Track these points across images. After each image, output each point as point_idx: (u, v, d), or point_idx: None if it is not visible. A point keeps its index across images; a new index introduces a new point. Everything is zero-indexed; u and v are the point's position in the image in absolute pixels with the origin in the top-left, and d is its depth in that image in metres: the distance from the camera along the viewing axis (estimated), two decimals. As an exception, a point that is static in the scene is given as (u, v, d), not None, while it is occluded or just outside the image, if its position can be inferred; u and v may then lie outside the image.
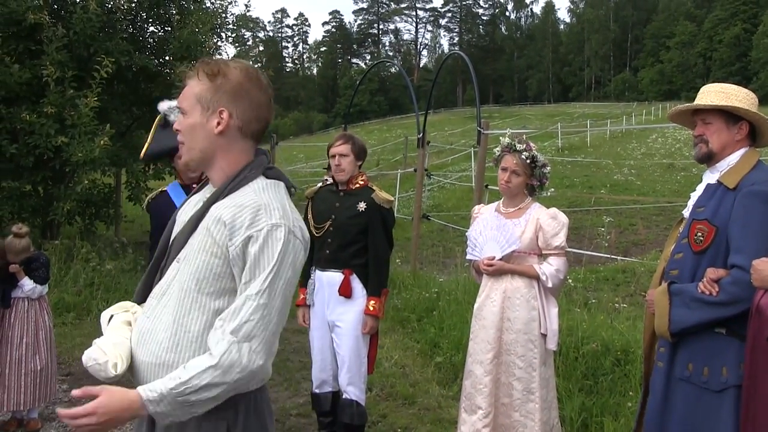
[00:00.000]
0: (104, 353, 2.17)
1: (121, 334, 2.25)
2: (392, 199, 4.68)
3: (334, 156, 4.53)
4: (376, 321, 4.55)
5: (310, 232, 4.61)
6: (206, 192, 2.37)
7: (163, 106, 4.37)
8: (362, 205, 4.50)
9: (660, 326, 3.09)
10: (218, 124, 2.22)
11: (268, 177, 2.30)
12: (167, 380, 2.05)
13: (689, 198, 3.28)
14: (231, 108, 2.22)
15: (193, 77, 2.26)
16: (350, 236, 4.51)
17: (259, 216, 2.14)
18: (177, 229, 2.35)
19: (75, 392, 2.07)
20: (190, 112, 2.25)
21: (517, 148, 4.30)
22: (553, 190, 4.42)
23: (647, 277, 9.10)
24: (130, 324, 2.30)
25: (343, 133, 4.64)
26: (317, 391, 4.73)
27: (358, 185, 4.59)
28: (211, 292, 2.17)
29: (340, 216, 4.53)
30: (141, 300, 2.39)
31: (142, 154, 4.46)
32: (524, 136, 4.46)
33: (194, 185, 4.23)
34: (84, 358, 2.20)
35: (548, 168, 4.39)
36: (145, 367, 2.18)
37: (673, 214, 14.51)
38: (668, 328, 3.04)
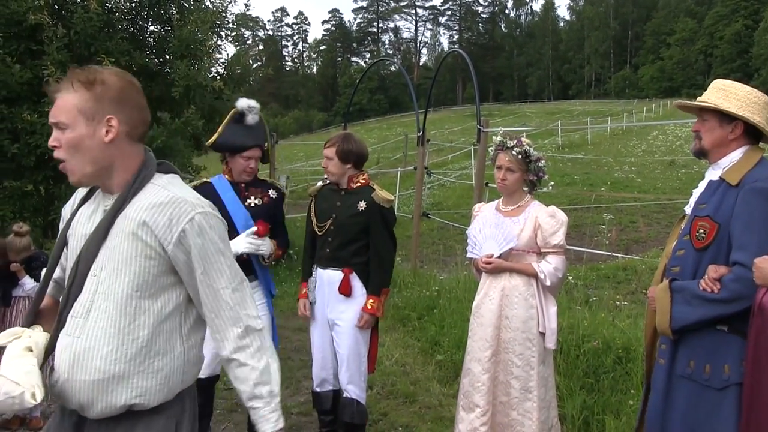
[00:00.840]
0: (17, 384, 2.04)
1: (27, 362, 2.12)
2: (392, 198, 4.66)
3: (324, 157, 4.58)
4: (373, 319, 4.53)
5: (313, 230, 4.65)
6: (100, 202, 2.30)
7: (242, 103, 4.44)
8: (362, 204, 4.49)
9: (661, 323, 3.08)
10: (107, 132, 2.18)
11: (163, 173, 2.33)
12: (269, 408, 2.28)
13: (691, 195, 3.27)
14: (118, 114, 2.20)
15: (66, 89, 2.17)
16: (351, 235, 4.50)
17: (183, 208, 2.21)
18: (76, 244, 2.27)
19: None
20: (73, 125, 2.16)
21: (509, 145, 4.30)
22: (552, 184, 4.40)
23: (648, 275, 9.10)
24: (31, 350, 2.17)
25: (336, 136, 4.64)
26: (318, 389, 4.72)
27: (359, 184, 4.57)
28: (153, 293, 2.22)
29: (340, 215, 4.52)
30: (32, 321, 2.31)
31: (210, 141, 4.53)
32: (524, 134, 4.45)
33: (243, 183, 4.28)
34: None
35: (543, 161, 4.37)
36: (88, 386, 2.15)
37: (674, 211, 14.51)
38: (669, 325, 3.03)
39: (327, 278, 4.56)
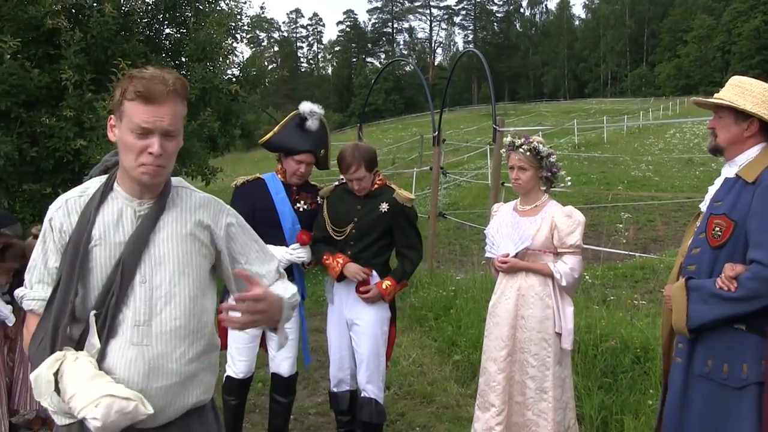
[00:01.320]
0: (128, 399, 2.03)
1: (107, 378, 2.10)
2: (413, 197, 4.63)
3: (351, 180, 4.42)
4: (378, 296, 4.45)
5: (327, 232, 4.58)
6: (125, 208, 2.26)
7: (305, 107, 4.45)
8: (384, 206, 4.46)
9: (678, 322, 3.07)
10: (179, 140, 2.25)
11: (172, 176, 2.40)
12: (282, 293, 2.41)
13: (707, 192, 3.26)
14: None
15: (174, 97, 2.19)
16: (373, 237, 4.49)
17: (220, 205, 2.41)
18: (109, 253, 2.20)
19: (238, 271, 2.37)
20: (179, 134, 2.24)
21: (517, 144, 4.30)
22: (570, 179, 4.35)
23: (667, 274, 9.00)
24: (96, 367, 2.13)
25: (352, 155, 4.36)
26: (335, 389, 4.73)
27: (376, 185, 4.54)
28: (207, 291, 2.35)
29: (362, 219, 4.48)
30: (76, 336, 2.18)
31: (263, 140, 4.56)
32: (540, 134, 4.45)
33: (295, 186, 4.37)
34: (101, 415, 1.98)
35: (554, 157, 4.35)
36: (164, 392, 2.18)
37: (692, 209, 14.33)
38: (686, 324, 3.02)
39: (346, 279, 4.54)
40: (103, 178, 2.33)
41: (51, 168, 9.53)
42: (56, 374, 2.07)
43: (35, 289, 2.27)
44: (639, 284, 9.29)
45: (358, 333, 4.54)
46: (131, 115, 2.14)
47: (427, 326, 7.80)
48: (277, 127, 4.54)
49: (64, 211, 2.27)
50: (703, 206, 3.23)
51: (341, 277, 4.49)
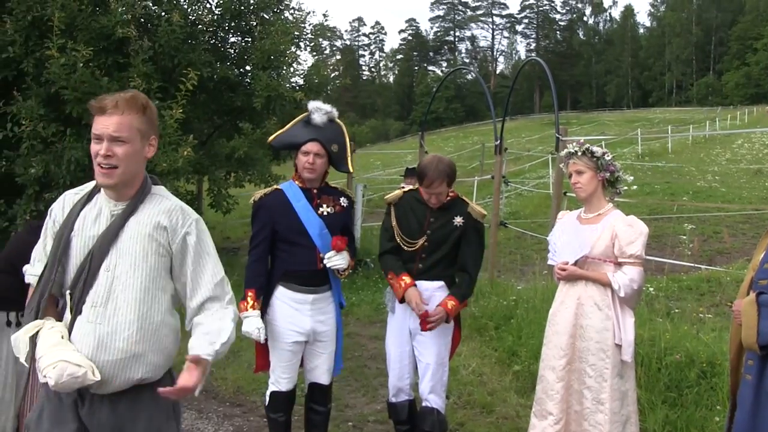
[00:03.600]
0: (79, 366, 2.49)
1: (70, 347, 2.56)
2: (485, 213, 4.56)
3: (431, 195, 4.36)
4: (445, 318, 4.35)
5: (396, 241, 4.53)
6: (104, 207, 2.71)
7: (311, 104, 4.47)
8: (459, 220, 4.42)
9: (748, 338, 3.00)
10: (149, 149, 2.73)
11: (155, 184, 2.83)
12: (209, 345, 2.66)
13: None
14: (156, 135, 2.76)
15: (126, 110, 2.60)
16: (446, 250, 4.44)
17: (187, 214, 2.77)
18: (84, 243, 2.65)
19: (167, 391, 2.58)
20: (132, 141, 2.62)
21: (571, 151, 4.29)
22: (632, 178, 4.28)
23: (734, 287, 8.82)
24: (63, 337, 2.59)
25: (435, 169, 4.29)
26: (393, 399, 4.66)
27: (448, 197, 4.48)
28: (163, 285, 2.72)
29: (436, 232, 4.43)
30: (41, 314, 2.65)
31: (271, 138, 4.57)
32: (603, 143, 4.41)
33: (315, 189, 4.32)
34: (55, 375, 2.45)
35: (610, 156, 4.30)
36: (110, 365, 2.57)
37: (761, 222, 14.03)
38: (756, 340, 2.95)
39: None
40: (91, 183, 2.77)
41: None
42: (34, 338, 2.58)
43: (35, 267, 2.76)
44: (704, 297, 9.07)
45: (421, 342, 4.49)
46: (92, 128, 2.63)
47: (488, 336, 7.75)
48: (286, 127, 4.51)
49: (61, 204, 2.76)
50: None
51: (403, 299, 4.42)
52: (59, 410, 2.63)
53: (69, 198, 2.77)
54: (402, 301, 4.44)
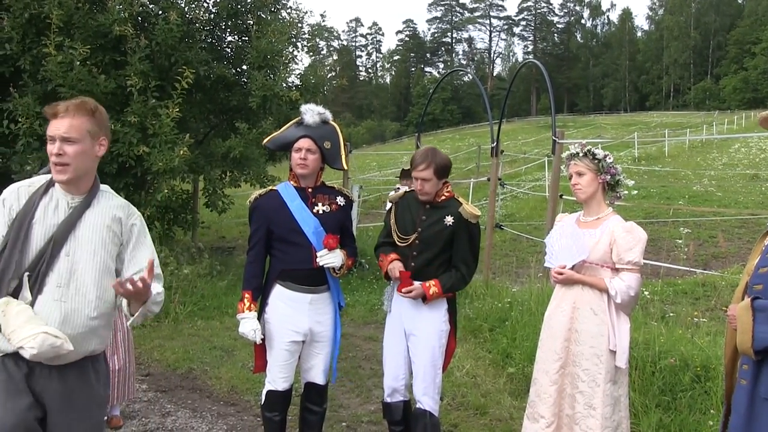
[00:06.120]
0: (57, 337, 2.80)
1: (41, 320, 2.85)
2: (479, 213, 4.51)
3: (417, 179, 4.38)
4: (420, 293, 4.34)
5: (392, 238, 4.56)
6: (61, 199, 3.01)
7: (305, 107, 4.51)
8: (449, 219, 4.40)
9: (743, 343, 2.99)
10: (100, 148, 3.04)
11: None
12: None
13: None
14: (107, 136, 3.08)
15: (76, 113, 2.91)
16: (437, 250, 4.42)
17: (132, 209, 3.20)
18: (45, 231, 2.93)
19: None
20: (82, 141, 2.93)
21: (573, 153, 4.29)
22: (633, 182, 4.25)
23: (729, 292, 8.83)
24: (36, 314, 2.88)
25: (425, 153, 4.38)
26: (388, 400, 4.64)
27: (443, 197, 4.47)
28: (113, 270, 3.07)
29: (426, 230, 4.43)
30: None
31: (266, 140, 4.60)
32: (599, 146, 4.39)
33: (310, 189, 4.35)
34: (37, 345, 2.76)
35: (611, 158, 4.29)
36: (72, 339, 2.87)
37: (757, 226, 14.06)
38: (751, 345, 2.93)
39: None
40: (47, 176, 3.06)
41: (114, 172, 9.76)
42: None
43: None
44: (699, 301, 9.09)
45: (415, 344, 4.48)
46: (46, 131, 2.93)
47: (482, 337, 7.75)
48: (281, 129, 4.55)
49: (15, 195, 3.01)
50: (772, 223, 3.14)
51: (388, 276, 4.48)
52: (10, 383, 2.89)
53: (23, 190, 3.03)
54: (387, 278, 4.52)
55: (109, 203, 3.11)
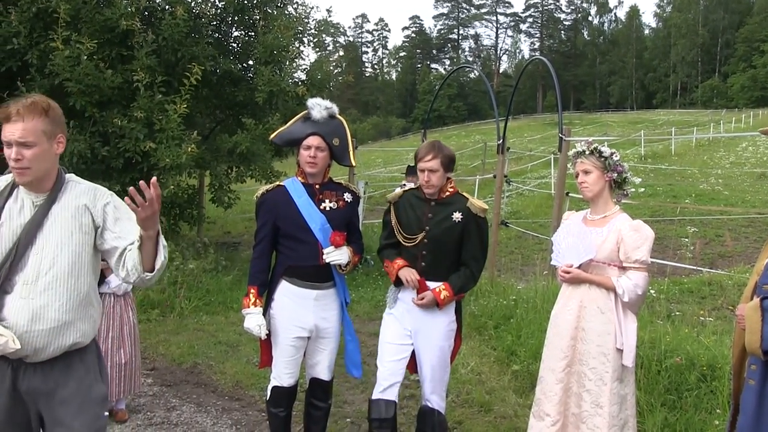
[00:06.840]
0: (2, 335, 2.78)
1: None
2: (487, 207, 4.46)
3: (423, 170, 4.31)
4: (433, 303, 4.30)
5: (396, 238, 4.47)
6: (25, 199, 2.98)
7: (312, 101, 4.45)
8: (458, 215, 4.33)
9: (751, 343, 2.97)
10: (58, 146, 2.98)
11: (66, 173, 3.11)
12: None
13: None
14: (64, 133, 3.02)
15: (29, 115, 2.84)
16: (447, 248, 4.35)
17: (101, 191, 3.11)
18: (12, 232, 2.91)
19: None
20: (39, 143, 2.87)
21: (580, 150, 4.27)
22: (640, 179, 4.24)
23: (736, 291, 8.81)
24: None
25: (431, 145, 4.35)
26: (380, 396, 4.41)
27: (448, 193, 4.41)
28: (89, 260, 3.04)
29: (434, 228, 4.34)
30: None
31: (272, 135, 4.56)
32: (605, 143, 4.37)
33: (317, 185, 4.32)
34: None
35: (617, 156, 4.27)
36: (45, 334, 2.87)
37: (764, 225, 14.01)
38: (760, 345, 2.92)
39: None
40: (10, 176, 3.03)
41: (120, 167, 9.77)
42: None
43: None
44: (706, 300, 9.05)
45: (423, 343, 4.40)
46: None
47: (487, 335, 7.73)
48: (287, 125, 4.50)
49: None
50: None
51: (398, 282, 4.39)
52: None
53: None
54: (398, 284, 4.41)
55: (73, 192, 3.05)
